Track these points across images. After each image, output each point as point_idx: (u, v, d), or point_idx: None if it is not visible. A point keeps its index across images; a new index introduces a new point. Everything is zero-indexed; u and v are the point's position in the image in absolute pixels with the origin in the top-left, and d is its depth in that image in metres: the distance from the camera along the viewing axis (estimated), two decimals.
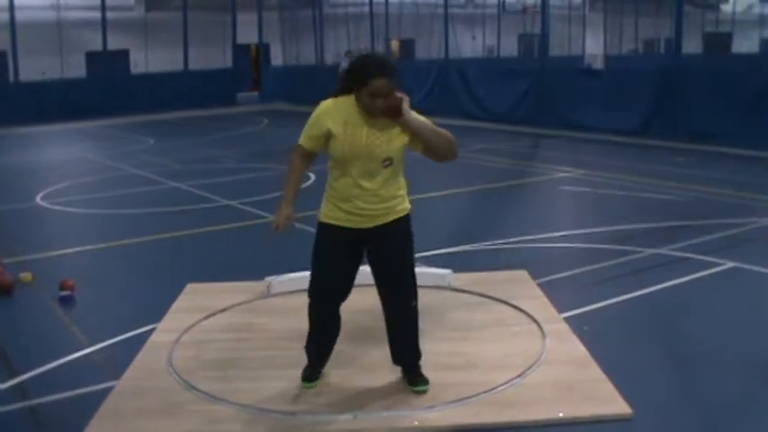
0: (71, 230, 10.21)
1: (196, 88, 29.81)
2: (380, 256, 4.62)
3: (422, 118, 4.43)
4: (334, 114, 4.41)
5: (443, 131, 4.45)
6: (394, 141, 4.40)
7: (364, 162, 4.37)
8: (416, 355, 4.82)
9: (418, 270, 6.60)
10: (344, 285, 4.69)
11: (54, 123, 24.98)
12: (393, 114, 4.32)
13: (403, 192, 4.61)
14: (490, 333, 5.73)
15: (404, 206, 4.61)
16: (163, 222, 10.20)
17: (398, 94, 4.34)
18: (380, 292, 4.71)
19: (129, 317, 6.38)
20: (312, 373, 4.86)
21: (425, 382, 4.74)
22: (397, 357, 4.85)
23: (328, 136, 4.39)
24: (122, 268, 8.25)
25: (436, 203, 11.07)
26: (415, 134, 4.40)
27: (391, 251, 4.61)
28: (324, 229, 4.61)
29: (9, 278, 7.31)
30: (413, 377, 4.77)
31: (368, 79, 4.27)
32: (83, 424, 4.44)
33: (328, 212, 4.56)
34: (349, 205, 4.47)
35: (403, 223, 4.61)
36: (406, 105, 4.34)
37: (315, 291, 4.71)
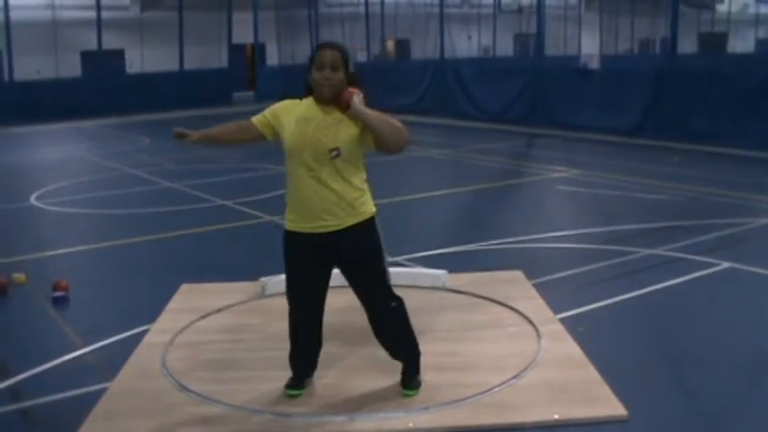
0: (65, 231, 10.19)
1: (191, 88, 29.75)
2: (347, 264, 4.54)
3: (377, 113, 4.32)
4: (289, 110, 4.44)
5: (394, 121, 4.33)
6: (342, 132, 4.31)
7: (312, 153, 4.29)
8: (409, 356, 4.78)
9: (413, 271, 6.60)
10: (314, 295, 4.60)
11: (49, 123, 24.94)
12: (342, 104, 4.30)
13: (362, 193, 4.46)
14: (485, 334, 5.71)
15: (366, 209, 4.45)
16: (158, 222, 10.18)
17: (351, 89, 4.32)
18: (358, 296, 4.66)
19: (123, 317, 6.36)
20: (296, 384, 4.80)
21: (415, 386, 4.71)
22: (393, 356, 4.83)
23: (277, 127, 4.41)
24: (116, 269, 8.23)
25: (431, 204, 11.06)
26: (365, 125, 4.30)
27: (356, 255, 4.49)
28: (287, 236, 4.53)
29: (2, 279, 7.28)
30: (404, 379, 4.75)
31: (316, 52, 4.34)
32: (76, 425, 4.42)
33: (290, 218, 4.48)
34: (304, 207, 4.39)
35: (367, 227, 4.46)
36: (356, 98, 4.29)
37: (289, 301, 4.66)
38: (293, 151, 4.34)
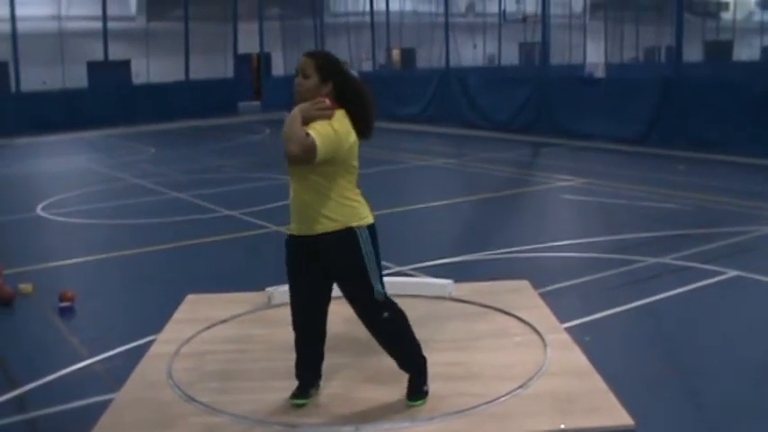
0: (71, 241, 10.21)
1: (197, 98, 29.84)
2: (331, 274, 4.53)
3: (295, 122, 4.19)
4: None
5: (293, 129, 4.16)
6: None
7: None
8: (412, 366, 4.75)
9: (418, 280, 6.59)
10: (313, 300, 4.59)
11: (55, 133, 25.01)
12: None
13: (337, 209, 4.36)
14: (491, 343, 5.69)
15: (339, 219, 4.36)
16: (163, 233, 10.19)
17: (321, 98, 4.25)
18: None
19: (129, 328, 6.37)
20: (301, 393, 4.79)
21: (420, 396, 4.68)
22: (399, 366, 4.82)
23: None
24: (122, 279, 8.24)
25: (437, 213, 11.06)
26: None
27: (340, 270, 4.47)
28: (286, 241, 4.58)
29: (9, 289, 7.29)
30: (409, 389, 4.72)
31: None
32: None
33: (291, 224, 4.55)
34: (291, 209, 4.47)
35: (344, 237, 4.38)
36: (304, 105, 4.23)
37: (291, 306, 4.68)
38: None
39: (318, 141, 4.11)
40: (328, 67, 4.30)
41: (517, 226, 10.18)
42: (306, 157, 4.13)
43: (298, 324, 4.70)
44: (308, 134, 4.12)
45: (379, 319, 4.57)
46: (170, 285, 7.72)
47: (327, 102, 4.28)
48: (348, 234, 4.41)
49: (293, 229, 4.47)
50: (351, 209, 4.42)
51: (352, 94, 4.35)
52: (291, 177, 4.39)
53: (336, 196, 4.37)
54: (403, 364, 4.75)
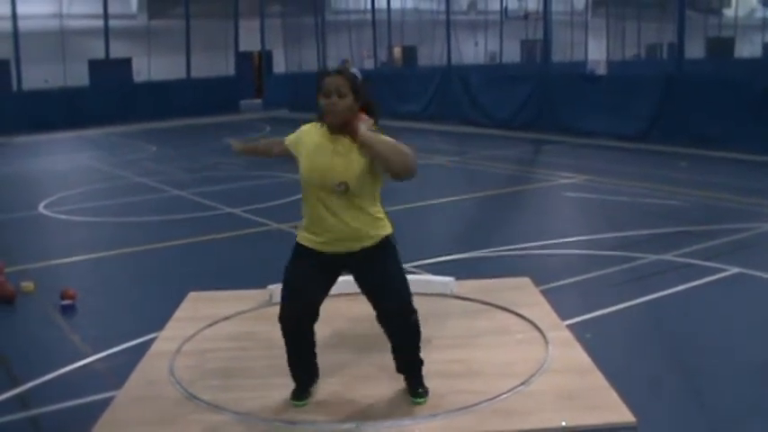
0: (73, 239, 10.21)
1: (199, 96, 29.84)
2: (367, 283, 4.50)
3: (387, 138, 4.20)
4: (310, 134, 4.37)
5: (402, 147, 4.19)
6: (354, 163, 4.21)
7: (320, 184, 4.23)
8: (417, 366, 4.77)
9: (420, 278, 6.59)
10: (313, 304, 4.56)
11: (57, 131, 25.03)
12: (352, 132, 4.17)
13: (377, 220, 4.40)
14: (492, 340, 5.69)
15: (380, 232, 4.41)
16: (165, 230, 10.20)
17: (362, 116, 4.22)
18: (376, 312, 4.63)
19: (131, 326, 6.37)
20: (301, 395, 4.78)
21: (424, 393, 4.69)
22: (400, 368, 4.81)
23: (297, 150, 4.39)
24: (124, 277, 8.24)
25: (439, 210, 11.06)
26: (372, 153, 4.18)
27: (377, 277, 4.46)
28: (297, 248, 4.51)
29: (11, 287, 7.30)
30: (413, 388, 4.72)
31: (320, 79, 4.24)
32: None
33: (302, 234, 4.47)
34: (317, 229, 4.37)
35: (384, 246, 4.42)
36: (363, 125, 4.20)
37: (284, 308, 4.57)
38: (304, 179, 4.30)
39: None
40: (360, 86, 4.26)
41: (519, 223, 10.18)
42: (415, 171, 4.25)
43: (294, 328, 4.65)
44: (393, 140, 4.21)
45: (411, 320, 4.58)
46: (171, 283, 7.72)
47: (371, 121, 4.27)
48: (386, 243, 4.45)
49: (323, 247, 4.39)
50: (383, 220, 4.46)
51: (374, 108, 4.35)
52: (330, 206, 4.28)
53: (375, 212, 4.41)
54: (411, 365, 4.75)
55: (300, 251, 4.49)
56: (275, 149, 4.65)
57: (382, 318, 4.57)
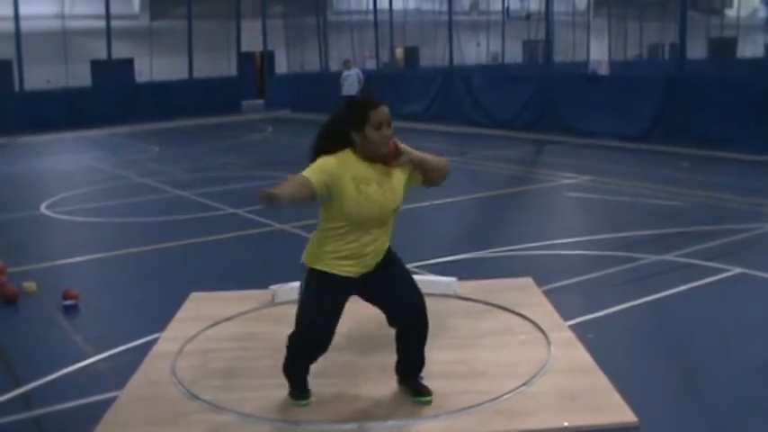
0: (75, 240, 10.21)
1: (201, 96, 29.85)
2: (383, 287, 4.51)
3: (418, 152, 4.23)
4: (343, 169, 4.14)
5: (439, 157, 4.29)
6: (397, 186, 4.25)
7: (378, 217, 4.21)
8: (421, 367, 4.78)
9: (423, 278, 6.58)
10: (332, 335, 4.54)
11: (59, 132, 25.04)
12: (394, 156, 4.15)
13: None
14: (495, 341, 5.69)
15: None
16: (167, 231, 10.20)
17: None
18: (395, 316, 4.62)
19: (133, 326, 6.38)
20: (303, 393, 4.79)
21: (430, 392, 4.71)
22: (404, 368, 4.80)
23: (336, 189, 4.13)
24: (126, 277, 8.25)
25: (441, 210, 11.06)
26: (416, 165, 4.23)
27: (395, 280, 4.51)
28: (326, 278, 4.36)
29: (13, 288, 7.30)
30: (418, 387, 4.73)
31: (368, 111, 4.09)
32: None
33: (330, 263, 4.33)
34: (355, 256, 4.32)
35: (391, 252, 4.50)
36: (401, 145, 4.18)
37: (310, 335, 4.53)
38: (354, 215, 4.17)
39: None
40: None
41: (521, 224, 10.18)
42: None
43: (312, 356, 4.62)
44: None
45: (424, 321, 4.61)
46: (174, 283, 7.73)
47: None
48: (390, 250, 4.51)
49: (357, 272, 4.37)
50: None
51: None
52: (375, 232, 4.27)
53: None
54: (418, 365, 4.76)
55: (330, 282, 4.37)
56: (306, 196, 4.13)
57: (401, 318, 4.57)
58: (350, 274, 4.38)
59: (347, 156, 4.17)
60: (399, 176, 4.25)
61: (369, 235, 4.24)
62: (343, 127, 4.17)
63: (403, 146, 4.17)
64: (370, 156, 4.16)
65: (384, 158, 4.16)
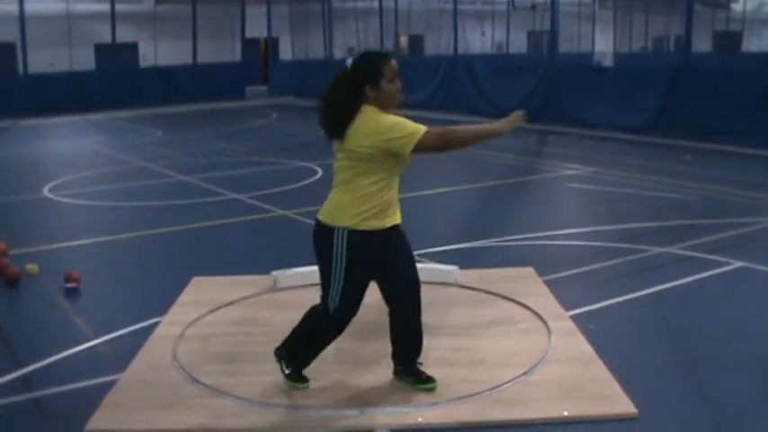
0: (78, 223, 10.21)
1: (205, 82, 29.84)
2: (394, 256, 4.57)
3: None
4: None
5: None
6: None
7: (406, 165, 4.47)
8: (419, 352, 4.79)
9: (424, 266, 6.60)
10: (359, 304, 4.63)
11: (62, 115, 25.03)
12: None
13: None
14: (496, 330, 5.71)
15: None
16: (170, 215, 10.21)
17: None
18: (389, 291, 4.65)
19: (135, 309, 6.38)
20: (303, 376, 4.81)
21: (433, 379, 4.72)
22: (402, 355, 4.81)
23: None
24: (128, 261, 8.25)
25: (443, 199, 11.06)
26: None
27: (403, 250, 4.62)
28: (369, 237, 4.41)
29: (15, 270, 7.31)
30: (419, 375, 4.74)
31: (382, 65, 4.32)
32: (87, 416, 4.44)
33: (372, 223, 4.40)
34: (390, 209, 4.48)
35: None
36: None
37: (345, 317, 4.59)
38: (406, 160, 4.41)
39: None
40: None
41: (523, 214, 10.17)
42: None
43: (343, 324, 4.65)
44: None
45: (419, 301, 4.70)
46: (176, 268, 7.74)
47: None
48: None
49: (392, 222, 4.50)
50: None
51: None
52: (397, 176, 4.47)
53: None
54: (415, 350, 4.77)
55: (371, 240, 4.42)
56: None
57: (397, 292, 4.65)
58: (389, 224, 4.46)
59: (376, 111, 4.34)
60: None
61: (396, 183, 4.49)
62: (358, 85, 4.31)
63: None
64: (385, 108, 4.36)
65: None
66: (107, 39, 29.76)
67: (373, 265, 4.49)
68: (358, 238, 4.36)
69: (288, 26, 34.39)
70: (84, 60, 29.98)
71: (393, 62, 4.36)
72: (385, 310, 4.78)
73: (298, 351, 4.77)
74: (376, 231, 4.39)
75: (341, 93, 4.35)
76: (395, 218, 4.50)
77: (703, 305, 6.39)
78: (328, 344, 4.75)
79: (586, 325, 5.75)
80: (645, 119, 17.15)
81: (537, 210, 10.49)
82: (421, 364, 4.79)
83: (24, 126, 23.08)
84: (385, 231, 4.44)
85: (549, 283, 6.73)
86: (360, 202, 4.34)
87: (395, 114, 4.36)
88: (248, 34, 33.37)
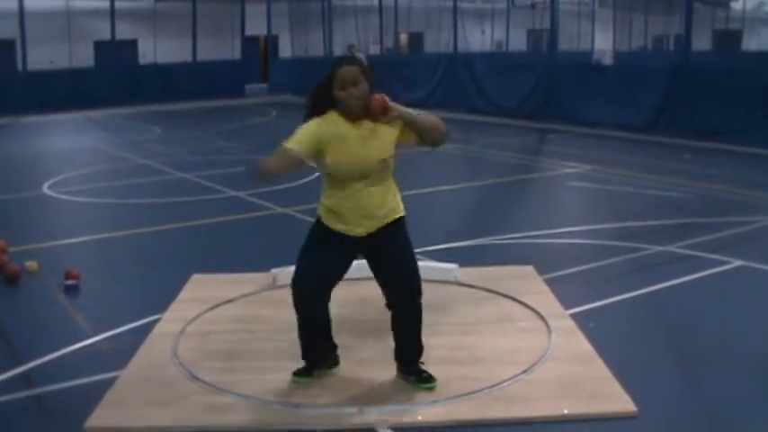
0: (77, 220, 10.21)
1: (204, 79, 29.82)
2: (382, 260, 4.61)
3: (411, 110, 4.39)
4: (326, 129, 4.39)
5: (432, 116, 4.46)
6: (385, 141, 4.43)
7: (361, 172, 4.40)
8: (420, 352, 4.80)
9: (424, 264, 6.59)
10: (329, 284, 4.65)
11: (62, 112, 25.01)
12: (381, 112, 4.26)
13: (397, 195, 4.63)
14: (496, 328, 5.71)
15: (399, 210, 4.61)
16: (169, 213, 10.20)
17: (376, 95, 4.27)
18: (386, 293, 4.67)
19: (135, 307, 6.38)
20: (306, 371, 4.83)
21: (433, 378, 4.72)
22: (402, 355, 4.82)
23: (320, 149, 4.37)
24: (128, 258, 8.25)
25: (443, 197, 11.06)
26: (407, 123, 4.37)
27: (392, 253, 4.60)
28: (321, 229, 4.60)
29: (15, 267, 7.31)
30: (420, 373, 4.74)
31: (335, 71, 4.34)
32: (87, 413, 4.44)
33: (326, 215, 4.56)
34: (346, 212, 4.49)
35: (400, 225, 4.61)
36: (389, 101, 4.27)
37: (299, 283, 4.64)
38: (339, 171, 4.40)
39: None
40: (368, 69, 4.42)
41: (523, 212, 10.18)
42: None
43: (308, 301, 4.70)
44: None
45: (414, 305, 4.71)
46: (175, 265, 7.74)
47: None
48: (401, 223, 4.64)
49: (350, 230, 4.52)
50: (399, 200, 4.66)
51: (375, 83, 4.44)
52: (363, 188, 4.44)
53: (395, 191, 4.65)
54: (414, 352, 4.78)
55: (325, 233, 4.56)
56: (296, 168, 4.47)
57: (392, 295, 4.65)
58: (345, 231, 4.51)
59: (331, 116, 4.41)
60: (388, 132, 4.41)
61: (356, 185, 4.43)
62: (324, 89, 4.40)
63: (393, 104, 4.27)
64: (348, 116, 4.39)
65: (369, 114, 4.32)
66: (106, 36, 29.73)
67: (328, 254, 4.58)
68: (318, 226, 4.64)
69: (287, 24, 34.35)
70: (84, 57, 29.94)
71: (342, 70, 4.30)
72: (385, 308, 4.78)
73: (300, 339, 4.82)
74: (330, 230, 4.55)
75: (312, 95, 4.51)
76: (348, 228, 4.51)
77: (702, 304, 6.40)
78: (307, 327, 4.81)
79: (586, 323, 5.75)
80: (644, 117, 17.15)
81: (536, 208, 10.49)
82: (423, 363, 4.79)
83: (23, 123, 23.06)
84: (339, 235, 4.52)
85: (548, 282, 6.74)
86: (323, 195, 4.61)
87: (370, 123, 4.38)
88: (248, 32, 33.34)
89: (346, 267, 4.67)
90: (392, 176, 4.56)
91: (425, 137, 4.43)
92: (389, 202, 4.53)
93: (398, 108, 4.29)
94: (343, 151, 4.35)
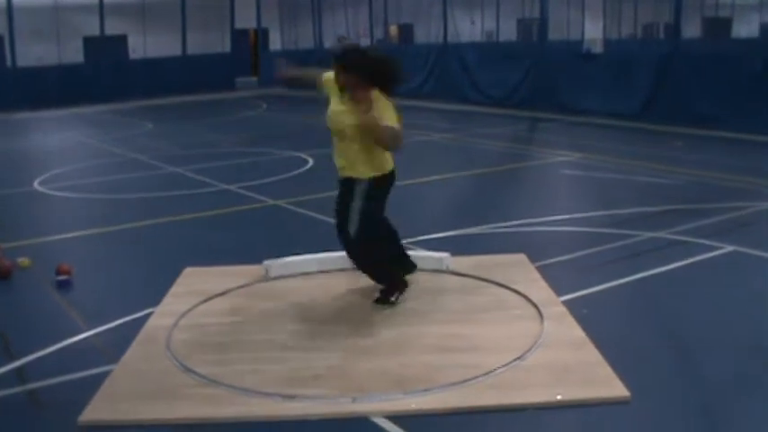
0: (69, 215, 10.20)
1: (194, 73, 29.76)
2: (339, 201, 5.89)
3: (383, 125, 5.42)
4: (333, 81, 5.86)
5: (393, 133, 5.48)
6: (347, 121, 5.63)
7: (335, 129, 5.78)
8: (384, 281, 5.88)
9: (416, 254, 6.60)
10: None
11: (51, 109, 24.95)
12: (364, 127, 5.48)
13: (367, 165, 5.69)
14: (489, 316, 5.72)
15: (362, 174, 5.70)
16: (161, 207, 10.19)
17: (374, 115, 5.39)
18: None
19: (127, 301, 6.38)
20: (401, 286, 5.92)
21: (382, 302, 5.72)
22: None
23: (327, 90, 5.96)
24: (120, 253, 8.24)
25: (435, 187, 11.07)
26: (374, 134, 5.50)
27: (340, 197, 5.85)
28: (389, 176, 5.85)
29: (7, 263, 7.30)
30: (377, 300, 5.79)
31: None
32: (81, 407, 4.44)
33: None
34: (337, 159, 5.90)
35: (357, 184, 5.70)
36: (371, 118, 5.40)
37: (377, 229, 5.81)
38: (328, 123, 5.85)
39: (399, 126, 5.55)
40: (356, 61, 5.63)
41: (515, 200, 10.19)
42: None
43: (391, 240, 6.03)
44: (392, 126, 5.48)
45: (351, 250, 5.95)
46: (168, 259, 7.73)
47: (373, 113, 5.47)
48: (366, 182, 5.78)
49: (340, 174, 5.91)
50: (376, 165, 5.81)
51: (372, 74, 5.61)
52: (339, 142, 5.83)
53: (371, 156, 5.79)
54: (382, 289, 5.87)
55: (392, 179, 5.95)
56: (317, 81, 6.05)
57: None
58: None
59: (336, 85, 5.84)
60: (353, 117, 5.58)
61: (335, 140, 5.84)
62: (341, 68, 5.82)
63: (374, 123, 5.36)
64: (342, 89, 5.78)
65: (357, 101, 5.62)
66: (96, 31, 29.59)
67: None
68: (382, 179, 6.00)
69: (277, 17, 34.25)
70: (73, 53, 29.80)
71: (333, 67, 5.75)
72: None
73: (385, 275, 5.91)
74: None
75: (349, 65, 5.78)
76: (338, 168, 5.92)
77: (694, 289, 6.42)
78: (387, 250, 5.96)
79: (579, 310, 5.77)
80: (635, 105, 17.17)
81: (528, 196, 10.51)
82: (392, 290, 5.78)
83: (13, 119, 23.00)
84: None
85: (541, 269, 6.75)
86: None
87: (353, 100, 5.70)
88: (238, 25, 33.25)
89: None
90: (370, 149, 5.63)
91: (378, 144, 5.59)
92: (356, 165, 5.70)
93: (378, 129, 5.40)
94: (331, 109, 5.83)
